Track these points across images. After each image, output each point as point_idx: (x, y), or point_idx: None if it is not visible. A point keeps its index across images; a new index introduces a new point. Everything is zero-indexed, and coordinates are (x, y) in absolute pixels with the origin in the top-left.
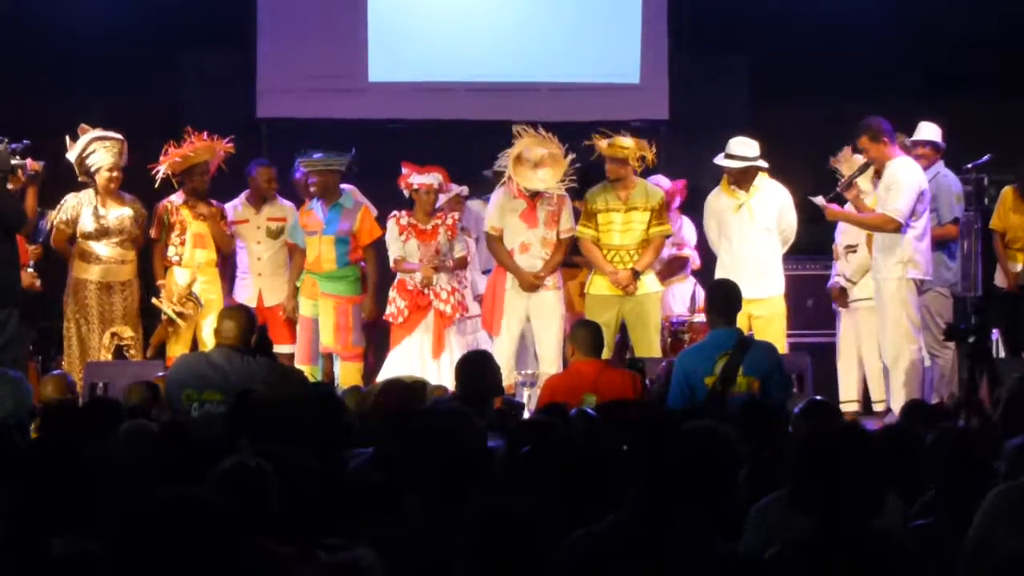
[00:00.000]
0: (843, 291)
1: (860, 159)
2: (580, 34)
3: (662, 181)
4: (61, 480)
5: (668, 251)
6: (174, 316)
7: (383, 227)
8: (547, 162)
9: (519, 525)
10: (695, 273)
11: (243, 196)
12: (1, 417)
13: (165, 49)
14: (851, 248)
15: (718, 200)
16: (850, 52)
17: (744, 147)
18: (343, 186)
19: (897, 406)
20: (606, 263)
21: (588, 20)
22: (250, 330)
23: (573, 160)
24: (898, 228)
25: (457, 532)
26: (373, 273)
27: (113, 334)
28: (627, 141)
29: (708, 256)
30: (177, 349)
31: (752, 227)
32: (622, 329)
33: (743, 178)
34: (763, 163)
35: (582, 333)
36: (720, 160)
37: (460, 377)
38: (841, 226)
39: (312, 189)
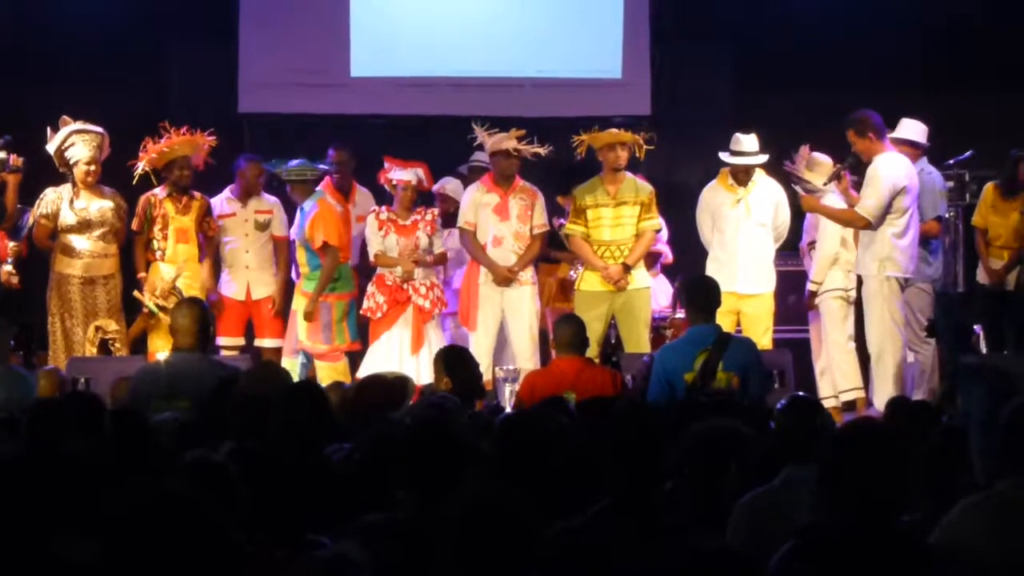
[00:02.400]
0: (813, 295)
1: (821, 157)
2: (562, 29)
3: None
4: (52, 480)
5: None
6: (155, 310)
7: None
8: (513, 136)
9: (510, 517)
10: (668, 269)
11: (229, 190)
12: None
13: (148, 43)
14: (813, 245)
15: (714, 194)
16: (832, 45)
17: (748, 143)
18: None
19: (880, 402)
20: (597, 259)
21: (570, 15)
22: (206, 322)
23: (554, 156)
24: (867, 225)
25: (444, 525)
26: (323, 273)
27: (97, 328)
28: (625, 135)
29: (685, 252)
30: (159, 343)
31: (748, 222)
32: (611, 324)
33: (745, 174)
34: (765, 157)
35: (564, 330)
36: (727, 158)
37: (446, 371)
38: (806, 224)
39: (293, 198)
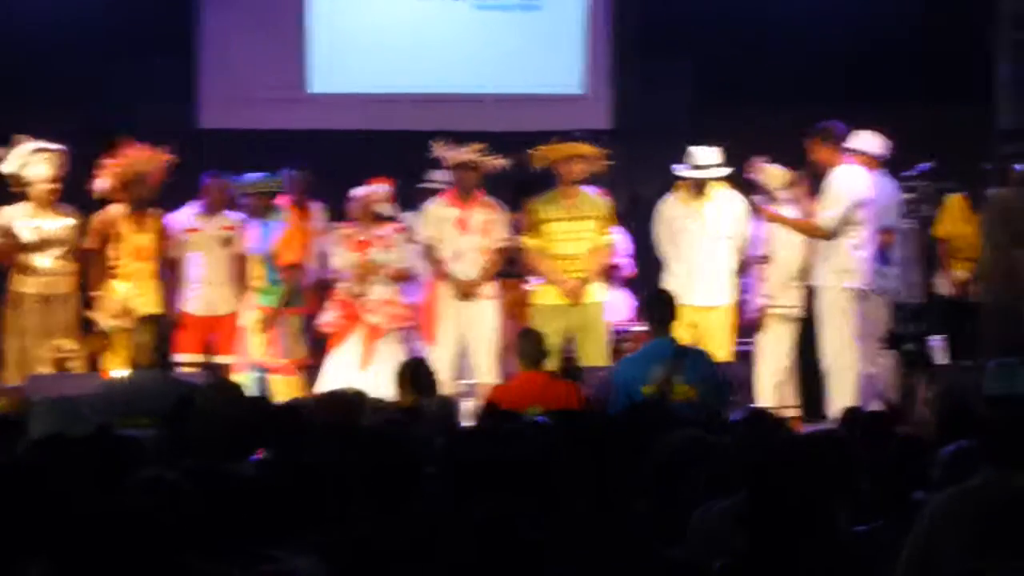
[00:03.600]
0: (763, 309)
1: (773, 167)
2: (523, 45)
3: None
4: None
5: None
6: (109, 329)
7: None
8: (473, 150)
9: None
10: (629, 282)
11: (194, 205)
12: None
13: (107, 59)
14: (759, 259)
15: (672, 207)
16: (794, 59)
17: (706, 157)
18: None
19: (834, 413)
20: (555, 273)
21: (531, 30)
22: (164, 339)
23: (514, 170)
24: (826, 236)
25: (399, 539)
26: (286, 291)
27: (54, 347)
28: (583, 147)
29: (645, 266)
30: (113, 362)
31: (705, 235)
32: (570, 339)
33: (701, 187)
34: (725, 171)
35: (524, 344)
36: (681, 170)
37: (410, 385)
38: (755, 237)
39: (248, 211)
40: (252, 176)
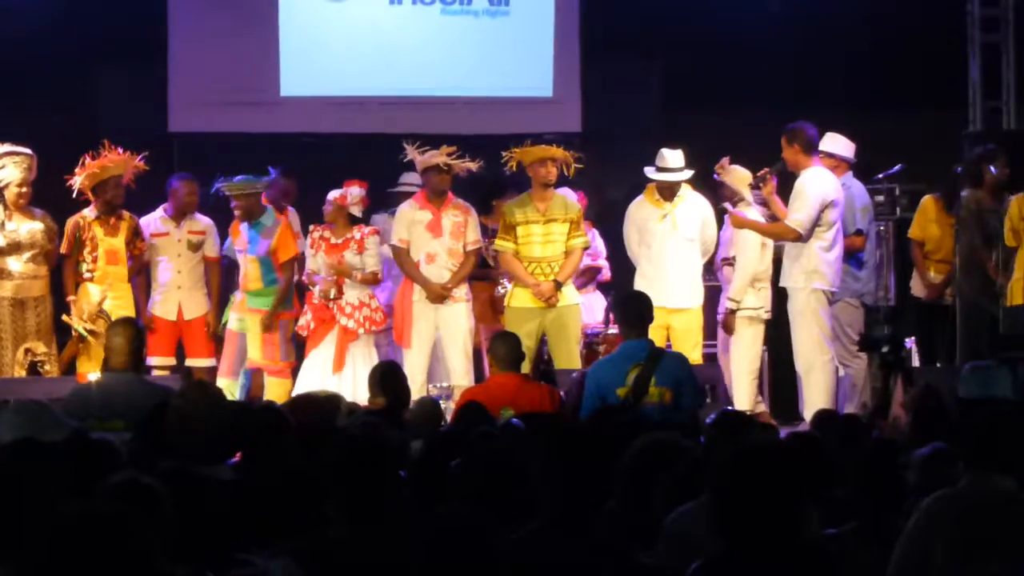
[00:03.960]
0: (732, 313)
1: (739, 169)
2: (493, 48)
3: (568, 193)
4: None
5: (584, 261)
6: (85, 333)
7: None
8: (444, 152)
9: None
10: (605, 285)
11: (162, 209)
12: None
13: (76, 64)
14: (727, 261)
15: (641, 209)
16: (763, 62)
17: (674, 160)
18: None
19: (809, 416)
20: (528, 275)
21: (500, 34)
22: (140, 343)
23: (484, 173)
24: (798, 238)
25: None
26: (281, 290)
27: (27, 350)
28: (554, 150)
29: (618, 268)
30: (88, 366)
31: (675, 237)
32: (542, 341)
33: (670, 189)
34: (689, 173)
35: (500, 346)
36: (653, 174)
37: (380, 388)
38: (722, 239)
39: (237, 212)
40: (237, 177)
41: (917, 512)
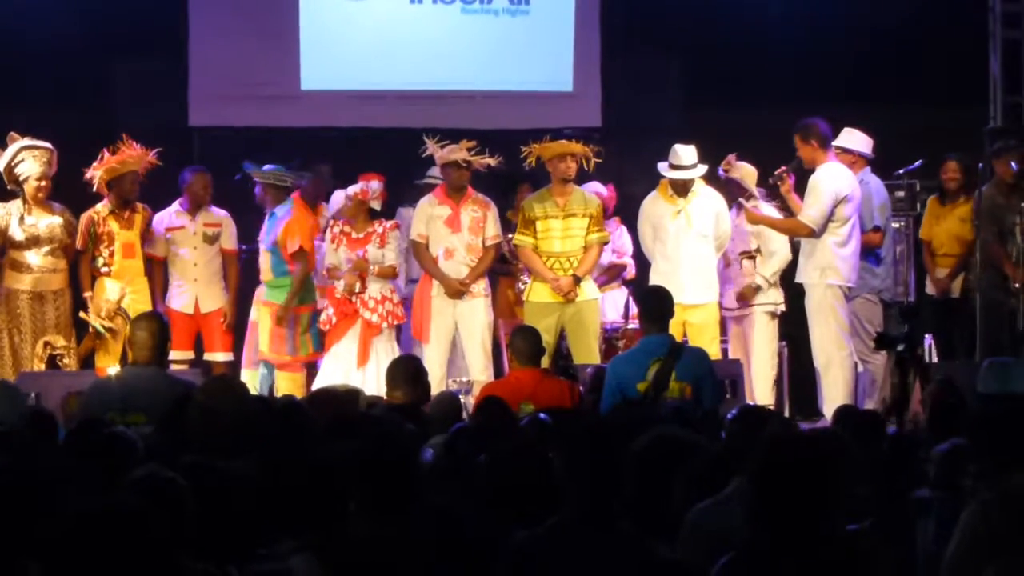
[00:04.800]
0: (757, 289)
1: (745, 165)
2: (513, 42)
3: (598, 187)
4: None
5: (608, 257)
6: (102, 330)
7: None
8: (464, 147)
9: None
10: (629, 282)
11: (178, 203)
12: None
13: (97, 58)
14: (746, 254)
15: (655, 205)
16: (784, 57)
17: (689, 155)
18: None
19: (829, 411)
20: (547, 270)
21: (521, 28)
22: (164, 338)
23: (501, 167)
24: (811, 234)
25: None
26: (297, 281)
27: (46, 343)
28: (574, 146)
29: (643, 265)
30: (106, 360)
31: (689, 233)
32: (561, 336)
33: (684, 185)
34: (703, 169)
35: (520, 341)
36: (666, 171)
37: (400, 382)
38: (736, 231)
39: (259, 199)
40: (268, 167)
41: (961, 526)
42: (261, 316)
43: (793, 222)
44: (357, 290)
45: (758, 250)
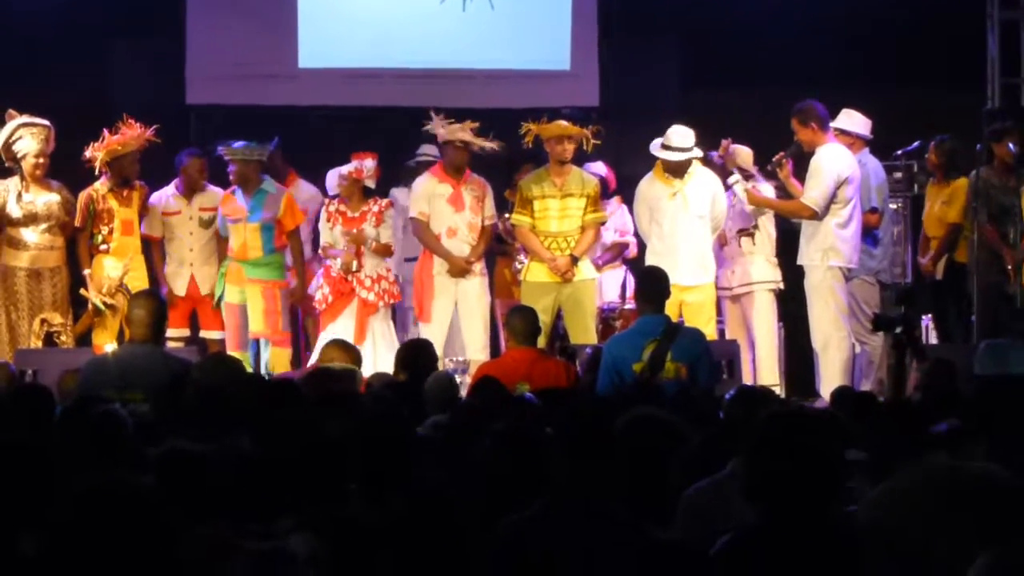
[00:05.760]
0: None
1: (742, 148)
2: (510, 21)
3: (598, 167)
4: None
5: (611, 236)
6: (102, 307)
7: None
8: (468, 127)
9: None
10: (629, 261)
11: (173, 185)
12: None
13: (94, 36)
14: (744, 232)
15: (651, 187)
16: (782, 38)
17: (683, 138)
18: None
19: (826, 392)
20: (544, 250)
21: (518, 6)
22: (161, 316)
23: (502, 147)
24: (813, 216)
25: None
26: (298, 257)
27: (43, 320)
28: (571, 127)
29: (643, 244)
30: (103, 337)
31: (686, 214)
32: (558, 315)
33: (679, 167)
34: (699, 152)
35: (517, 320)
36: (658, 152)
37: (406, 364)
38: (733, 211)
39: (232, 177)
40: (237, 143)
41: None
42: (251, 295)
43: (796, 204)
44: (354, 268)
45: (755, 227)
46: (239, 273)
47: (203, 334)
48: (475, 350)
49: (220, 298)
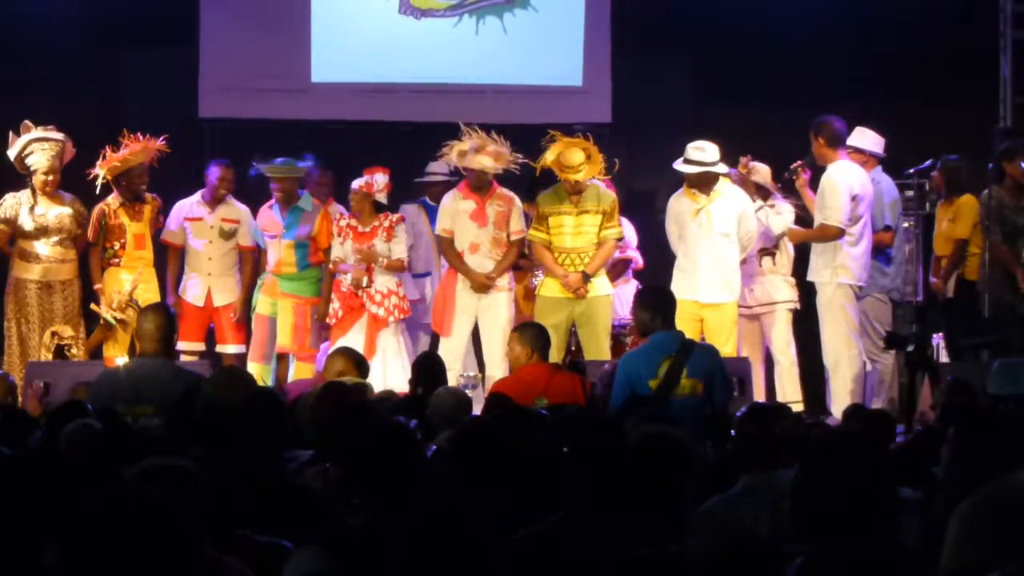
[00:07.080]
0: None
1: (761, 165)
2: (523, 36)
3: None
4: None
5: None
6: (113, 322)
7: None
8: (489, 150)
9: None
10: (637, 274)
11: (200, 194)
12: None
13: (108, 48)
14: (765, 251)
15: (679, 202)
16: (793, 54)
17: (702, 152)
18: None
19: (838, 410)
20: (557, 266)
21: (531, 23)
22: (171, 329)
23: (520, 163)
24: (840, 233)
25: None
26: (327, 275)
27: (53, 333)
28: (579, 157)
29: (652, 258)
30: (114, 351)
31: (710, 232)
32: (572, 331)
33: (702, 183)
34: (722, 168)
35: (530, 336)
36: (678, 165)
37: (421, 378)
38: (755, 232)
39: (277, 195)
40: (278, 160)
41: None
42: (282, 309)
43: (820, 229)
44: (364, 284)
45: (776, 247)
46: (274, 286)
47: (219, 348)
48: (494, 365)
49: (253, 308)
